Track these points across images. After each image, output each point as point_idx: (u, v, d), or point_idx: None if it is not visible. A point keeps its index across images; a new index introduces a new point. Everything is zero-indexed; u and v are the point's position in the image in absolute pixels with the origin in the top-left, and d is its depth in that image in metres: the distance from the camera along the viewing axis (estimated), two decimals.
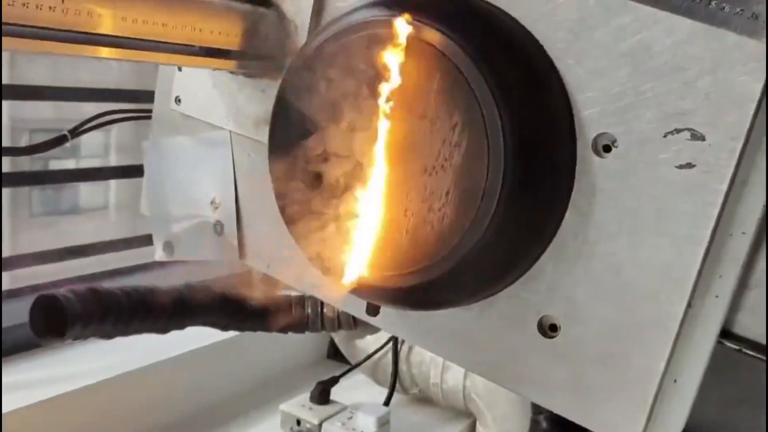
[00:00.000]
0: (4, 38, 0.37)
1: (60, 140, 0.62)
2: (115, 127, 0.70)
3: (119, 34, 0.42)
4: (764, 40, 0.37)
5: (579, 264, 0.44)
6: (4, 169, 0.88)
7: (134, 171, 1.00)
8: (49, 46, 0.40)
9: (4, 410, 0.73)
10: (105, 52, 0.42)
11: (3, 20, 0.37)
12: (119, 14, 0.42)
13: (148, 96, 0.86)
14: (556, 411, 0.47)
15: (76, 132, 0.63)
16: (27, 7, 0.37)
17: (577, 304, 0.45)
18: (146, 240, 1.01)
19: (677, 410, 0.43)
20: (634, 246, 0.42)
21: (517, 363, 0.48)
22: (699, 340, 0.42)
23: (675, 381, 0.43)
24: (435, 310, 0.49)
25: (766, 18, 0.38)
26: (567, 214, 0.44)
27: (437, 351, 0.52)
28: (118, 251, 1.04)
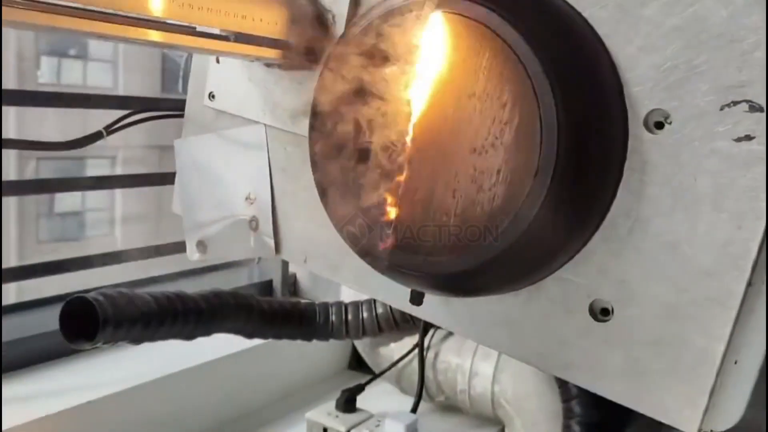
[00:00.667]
0: (52, 15, 0.37)
1: (95, 136, 0.61)
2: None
3: (167, 18, 0.42)
4: None
5: (631, 243, 0.44)
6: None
7: (144, 179, 1.00)
8: (100, 27, 0.39)
9: (29, 418, 0.72)
10: (154, 35, 0.42)
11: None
12: None
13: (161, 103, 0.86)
14: (610, 397, 0.46)
15: (111, 129, 0.62)
16: None
17: (630, 286, 0.44)
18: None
19: (738, 392, 0.42)
20: (690, 223, 0.41)
21: (567, 349, 0.47)
22: (760, 319, 0.41)
23: (735, 362, 0.42)
24: (482, 295, 0.49)
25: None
26: (619, 193, 0.44)
27: (483, 340, 0.51)
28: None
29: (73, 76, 5.35)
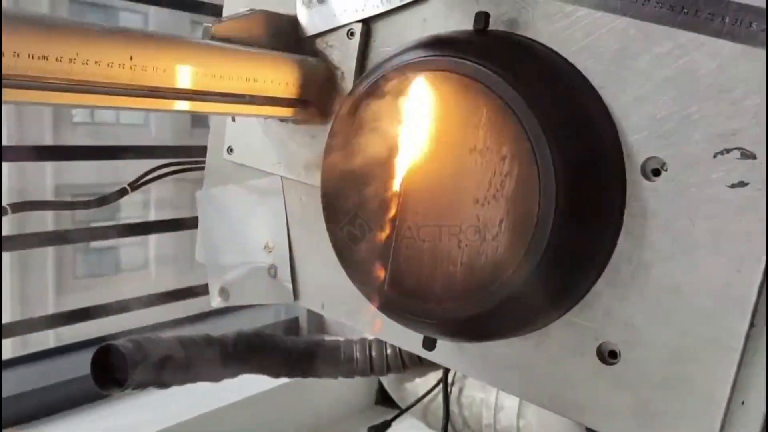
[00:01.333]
0: (80, 95, 0.40)
1: (121, 193, 0.64)
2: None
3: (182, 87, 0.45)
4: None
5: (635, 288, 0.45)
6: (50, 228, 0.91)
7: (176, 225, 1.03)
8: (119, 101, 0.42)
9: None
10: (171, 104, 0.45)
11: (77, 78, 0.40)
12: (182, 68, 0.44)
13: (188, 151, 0.89)
14: None
15: (136, 185, 0.65)
16: (99, 65, 0.40)
17: (636, 329, 0.45)
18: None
19: None
20: (691, 267, 0.42)
21: (578, 391, 0.47)
22: (765, 359, 0.42)
23: (743, 403, 0.43)
24: (492, 340, 0.50)
25: (765, 25, 0.39)
26: (620, 239, 0.45)
27: (495, 383, 0.52)
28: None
29: (106, 114, 5.49)
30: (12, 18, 0.36)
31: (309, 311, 1.14)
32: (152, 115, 5.39)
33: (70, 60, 0.38)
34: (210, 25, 0.50)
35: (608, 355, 0.46)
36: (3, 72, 0.36)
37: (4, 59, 0.36)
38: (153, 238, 5.33)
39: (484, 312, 0.45)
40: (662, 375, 0.44)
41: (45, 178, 4.61)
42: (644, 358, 0.44)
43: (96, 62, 0.40)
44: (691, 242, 0.42)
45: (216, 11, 0.99)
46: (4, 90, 0.37)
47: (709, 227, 0.42)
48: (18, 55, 0.36)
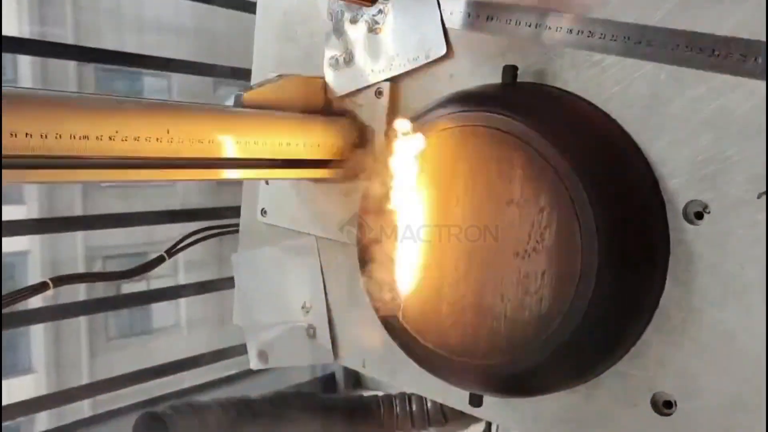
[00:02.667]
0: (120, 171, 0.41)
1: (157, 261, 0.65)
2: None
3: (218, 157, 0.45)
4: None
5: (687, 335, 0.43)
6: (81, 297, 0.92)
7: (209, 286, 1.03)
8: (157, 174, 0.43)
9: None
10: (207, 174, 0.45)
11: (118, 155, 0.40)
12: (217, 138, 0.45)
13: (216, 213, 0.90)
14: None
15: (172, 252, 0.66)
16: (138, 141, 0.41)
17: (691, 377, 0.43)
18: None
19: None
20: (743, 311, 0.41)
21: None
22: None
23: None
24: (540, 395, 0.49)
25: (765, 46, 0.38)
26: (667, 285, 0.44)
27: None
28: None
29: None
30: (51, 100, 0.38)
31: (345, 367, 1.13)
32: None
33: (110, 138, 0.39)
34: (242, 93, 0.51)
35: (663, 405, 0.45)
36: (48, 154, 0.37)
37: (46, 141, 0.37)
38: (184, 299, 5.35)
39: (531, 366, 0.44)
40: (722, 425, 0.42)
41: (76, 241, 4.69)
42: (702, 407, 0.43)
43: (135, 138, 0.41)
44: (741, 286, 0.41)
45: (238, 74, 1.01)
46: (46, 171, 0.38)
47: (759, 270, 0.40)
48: (60, 137, 0.37)
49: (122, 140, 0.40)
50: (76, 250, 4.61)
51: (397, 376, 0.58)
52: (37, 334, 4.56)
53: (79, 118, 0.38)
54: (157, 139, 0.42)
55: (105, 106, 0.40)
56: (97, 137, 0.39)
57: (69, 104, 0.38)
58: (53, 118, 0.37)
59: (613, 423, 0.47)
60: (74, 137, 0.38)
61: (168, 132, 0.42)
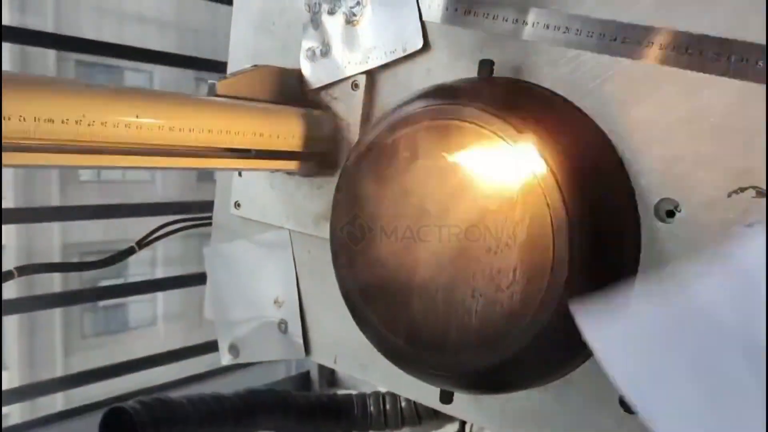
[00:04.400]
0: (87, 156, 0.40)
1: (128, 252, 0.64)
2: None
3: (190, 145, 0.45)
4: None
5: None
6: (57, 290, 0.90)
7: (184, 281, 1.03)
8: (126, 161, 0.42)
9: None
10: (177, 162, 0.44)
11: (84, 140, 0.39)
12: (188, 126, 0.44)
13: (193, 207, 0.89)
14: None
15: (143, 243, 0.65)
16: (105, 126, 0.40)
17: None
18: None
19: None
20: None
21: None
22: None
23: None
24: (510, 392, 0.48)
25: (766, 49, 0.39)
26: (638, 282, 0.44)
27: None
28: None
29: (112, 172, 5.55)
30: (17, 81, 0.37)
31: (320, 365, 1.12)
32: (158, 172, 5.45)
33: (77, 122, 0.38)
34: (215, 82, 0.50)
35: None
36: (9, 136, 0.36)
37: (10, 123, 0.36)
38: (161, 295, 5.32)
39: (501, 363, 0.43)
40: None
41: (52, 237, 4.64)
42: None
43: (102, 123, 0.40)
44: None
45: (219, 68, 1.00)
46: (10, 154, 0.37)
47: None
48: (24, 119, 0.36)
49: (89, 125, 0.39)
50: (52, 246, 4.55)
51: (368, 372, 0.57)
52: (11, 331, 4.50)
53: (43, 100, 0.37)
54: (126, 125, 0.41)
55: (72, 89, 0.39)
56: (62, 121, 0.38)
57: (33, 85, 0.37)
58: (16, 99, 0.36)
59: (582, 420, 0.46)
60: (38, 120, 0.37)
61: (137, 117, 0.42)
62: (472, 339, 0.44)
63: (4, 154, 0.36)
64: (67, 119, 0.38)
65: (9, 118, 0.36)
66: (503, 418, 0.50)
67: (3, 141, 0.36)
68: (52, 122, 0.37)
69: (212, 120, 0.46)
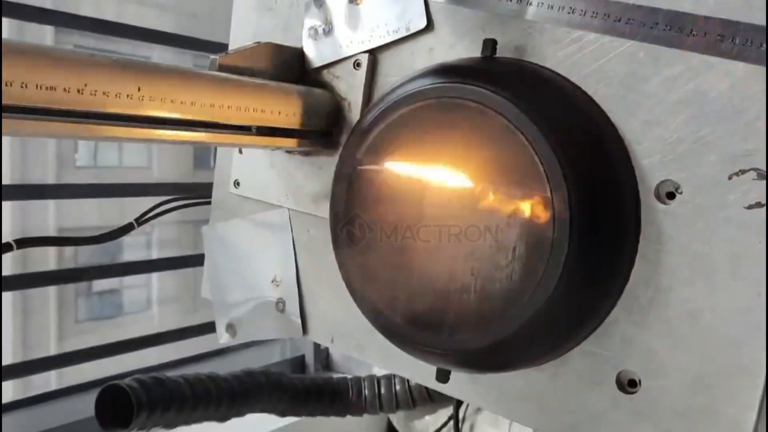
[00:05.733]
0: (87, 125, 0.40)
1: (127, 228, 0.64)
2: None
3: (189, 118, 0.44)
4: None
5: (653, 314, 0.44)
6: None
7: (181, 262, 1.03)
8: (126, 132, 0.42)
9: None
10: (178, 135, 0.44)
11: (85, 109, 0.39)
12: (190, 99, 0.44)
13: (189, 188, 0.89)
14: None
15: (142, 220, 0.65)
16: (107, 96, 0.40)
17: (656, 356, 0.44)
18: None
19: None
20: (710, 291, 0.41)
21: (597, 422, 0.46)
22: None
23: None
24: (507, 371, 0.49)
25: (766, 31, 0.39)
26: (636, 264, 0.44)
27: (512, 415, 0.51)
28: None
29: (109, 157, 5.53)
30: (19, 49, 0.36)
31: (315, 349, 1.13)
32: (154, 157, 5.43)
33: (78, 91, 0.38)
34: (216, 57, 0.50)
35: (628, 384, 0.45)
36: (10, 102, 0.36)
37: (11, 89, 0.35)
38: (155, 282, 5.31)
39: (499, 341, 0.44)
40: (685, 403, 0.42)
41: (48, 221, 4.63)
42: (665, 386, 0.43)
43: (104, 93, 0.40)
44: (709, 266, 0.41)
45: (217, 49, 1.00)
46: (10, 121, 0.37)
47: (728, 251, 0.41)
48: (26, 86, 0.36)
49: (91, 94, 0.39)
50: (47, 229, 4.54)
51: (366, 352, 0.57)
52: (5, 313, 4.49)
53: (46, 68, 0.37)
54: (128, 96, 0.41)
55: (75, 58, 0.39)
56: (64, 89, 0.38)
57: (37, 53, 0.37)
58: (19, 66, 0.36)
59: (578, 401, 0.47)
60: (41, 87, 0.37)
61: (139, 90, 0.41)
62: (470, 317, 0.45)
63: (4, 122, 0.36)
64: (69, 88, 0.38)
65: (10, 84, 0.35)
66: (499, 398, 0.50)
67: (3, 107, 0.36)
68: (54, 90, 0.37)
69: (214, 94, 0.46)
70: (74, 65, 0.39)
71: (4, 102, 0.35)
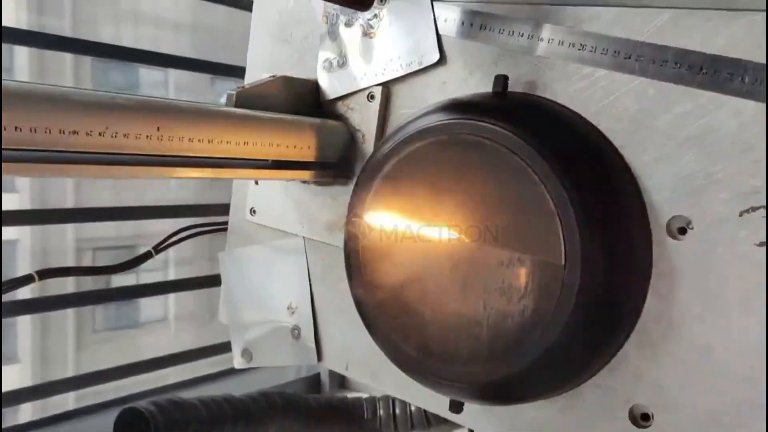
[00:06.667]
0: (109, 167, 0.41)
1: (145, 257, 0.65)
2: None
3: (206, 156, 0.45)
4: None
5: (665, 349, 0.44)
6: (71, 290, 0.92)
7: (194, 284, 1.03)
8: (147, 171, 0.43)
9: None
10: (196, 172, 0.45)
11: (107, 151, 0.40)
12: (207, 137, 0.45)
13: (206, 210, 0.90)
14: None
15: (159, 248, 0.66)
16: (128, 138, 0.41)
17: (668, 391, 0.44)
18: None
19: None
20: (722, 327, 0.42)
21: None
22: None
23: None
24: (519, 403, 0.49)
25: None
26: (648, 299, 0.44)
27: None
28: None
29: None
30: (42, 94, 0.38)
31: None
32: None
33: (100, 134, 0.39)
34: (233, 92, 0.51)
35: (641, 418, 0.45)
36: (35, 147, 0.37)
37: (35, 136, 0.37)
38: (172, 294, 5.34)
39: (511, 375, 0.44)
40: None
41: (66, 232, 4.67)
42: (678, 420, 0.43)
43: (125, 135, 0.41)
44: (721, 302, 0.42)
45: (234, 72, 1.01)
46: (35, 165, 0.38)
47: (739, 286, 0.41)
48: (49, 132, 0.37)
49: (112, 136, 0.40)
50: (65, 240, 4.59)
51: (380, 379, 0.58)
52: (24, 324, 4.54)
53: (69, 113, 0.38)
54: (147, 137, 0.42)
55: (96, 101, 0.40)
56: (87, 133, 0.39)
57: (60, 99, 0.38)
58: (43, 113, 0.37)
59: None
60: (63, 132, 0.38)
61: (158, 130, 0.43)
62: (482, 351, 0.45)
63: (29, 166, 0.37)
64: (91, 131, 0.39)
65: (35, 131, 0.37)
66: (511, 429, 0.51)
67: (29, 152, 0.37)
68: (77, 134, 0.38)
69: (231, 131, 0.47)
70: (96, 109, 0.40)
71: (29, 147, 0.37)
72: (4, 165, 0.36)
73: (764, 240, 0.40)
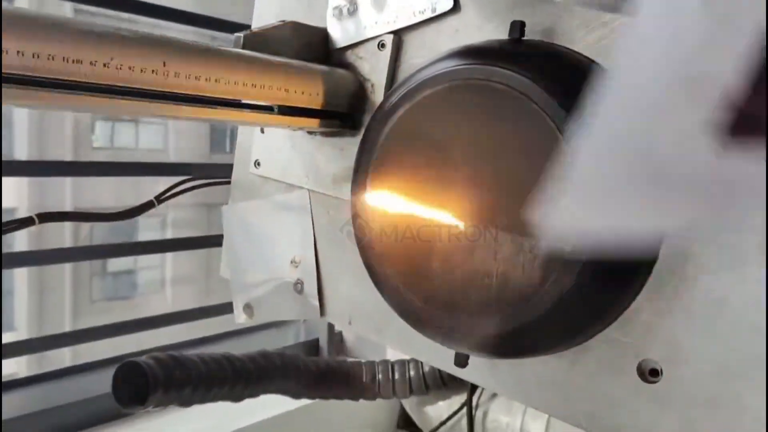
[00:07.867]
0: (111, 99, 0.40)
1: (147, 206, 0.64)
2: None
3: (215, 96, 0.44)
4: None
5: (678, 302, 0.43)
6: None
7: (194, 242, 1.03)
8: (149, 107, 0.42)
9: None
10: (202, 112, 0.44)
11: (110, 83, 0.39)
12: (214, 77, 0.44)
13: (205, 169, 0.89)
14: None
15: (162, 198, 0.65)
16: (133, 71, 0.40)
17: (679, 345, 0.43)
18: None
19: None
20: (737, 280, 0.41)
21: (616, 411, 0.46)
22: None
23: None
24: (527, 357, 0.48)
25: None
26: (662, 251, 0.43)
27: (529, 401, 0.50)
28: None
29: (125, 140, 5.55)
30: (48, 21, 0.36)
31: (329, 332, 1.13)
32: (171, 140, 5.45)
33: (104, 65, 0.38)
34: (241, 35, 0.50)
35: (649, 373, 0.44)
36: (36, 74, 0.36)
37: (38, 61, 0.35)
38: (169, 263, 5.34)
39: (520, 327, 0.43)
40: (709, 393, 0.42)
41: (64, 201, 4.66)
42: (688, 375, 0.43)
43: (129, 67, 0.39)
44: (738, 255, 0.41)
45: (237, 29, 0.99)
46: (34, 92, 0.37)
47: (757, 239, 0.40)
48: (52, 58, 0.36)
49: (117, 68, 0.39)
50: (63, 208, 4.57)
51: (383, 334, 0.57)
52: (21, 293, 4.54)
53: (73, 41, 0.37)
54: (153, 71, 0.41)
55: (101, 31, 0.39)
56: (91, 62, 0.38)
57: (65, 26, 0.37)
58: (47, 38, 0.36)
59: (598, 389, 0.46)
60: (67, 60, 0.37)
61: (164, 65, 0.41)
62: (492, 301, 0.44)
63: (28, 92, 0.36)
64: (96, 61, 0.38)
65: (37, 56, 0.35)
66: (517, 384, 0.50)
67: (28, 77, 0.36)
68: (81, 63, 0.37)
69: (238, 72, 0.46)
70: (101, 39, 0.38)
71: (30, 74, 0.35)
72: (5, 90, 0.34)
73: None
